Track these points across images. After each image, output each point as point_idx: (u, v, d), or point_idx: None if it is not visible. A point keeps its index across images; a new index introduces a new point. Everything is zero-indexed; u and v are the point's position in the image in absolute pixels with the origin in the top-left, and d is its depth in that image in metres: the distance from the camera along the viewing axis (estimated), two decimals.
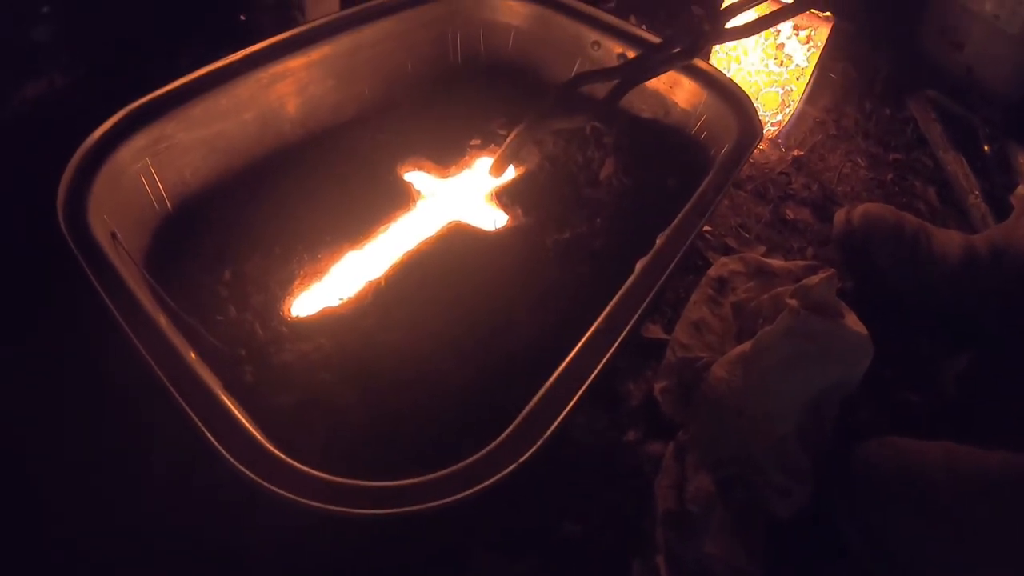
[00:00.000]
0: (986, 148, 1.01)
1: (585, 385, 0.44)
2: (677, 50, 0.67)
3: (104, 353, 0.52)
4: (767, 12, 0.73)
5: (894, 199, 0.95)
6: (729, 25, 0.69)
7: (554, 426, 0.43)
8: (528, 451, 0.41)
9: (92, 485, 0.54)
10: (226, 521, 0.51)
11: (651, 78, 0.69)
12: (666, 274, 0.53)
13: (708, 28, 0.67)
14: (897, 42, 1.21)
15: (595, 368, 0.45)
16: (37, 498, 0.54)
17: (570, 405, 0.43)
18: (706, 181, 0.63)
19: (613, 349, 0.47)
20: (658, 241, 0.57)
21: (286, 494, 0.38)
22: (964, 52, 1.15)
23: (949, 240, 0.80)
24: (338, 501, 0.39)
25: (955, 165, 0.99)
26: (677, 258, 0.55)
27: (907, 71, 1.15)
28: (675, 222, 0.59)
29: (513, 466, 0.40)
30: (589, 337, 0.48)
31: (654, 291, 0.52)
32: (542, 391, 0.45)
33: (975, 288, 0.78)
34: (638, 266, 0.55)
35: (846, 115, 1.05)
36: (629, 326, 0.49)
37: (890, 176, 0.98)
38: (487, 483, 0.40)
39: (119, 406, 0.56)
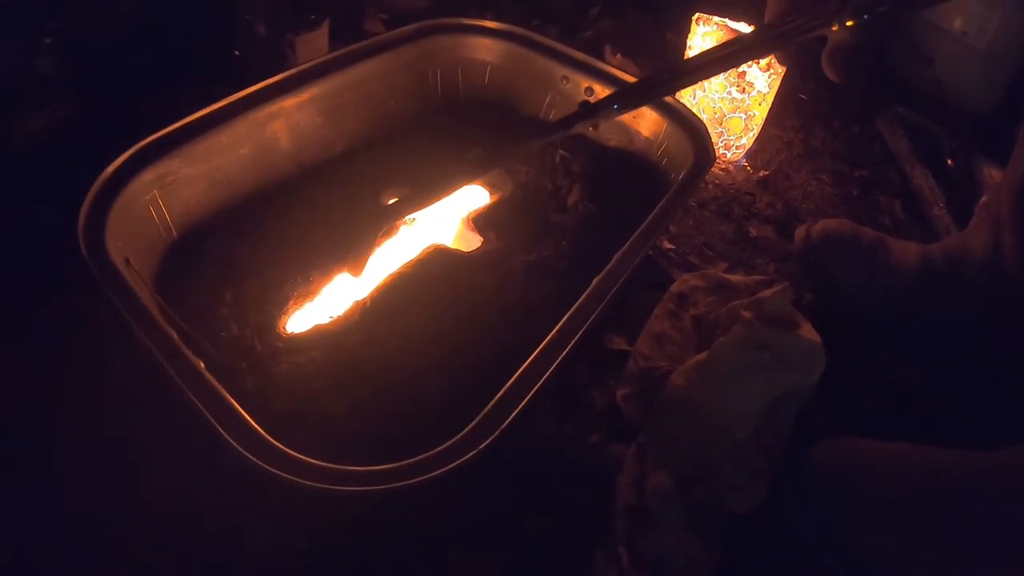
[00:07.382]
0: (949, 161, 1.12)
1: (537, 386, 0.56)
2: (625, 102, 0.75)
3: (109, 355, 0.64)
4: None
5: (858, 213, 1.04)
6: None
7: (507, 421, 0.54)
8: (484, 443, 0.53)
9: (97, 472, 0.64)
10: (227, 507, 0.62)
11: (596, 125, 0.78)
12: (614, 289, 0.65)
13: (667, 78, 0.77)
14: (870, 60, 1.32)
15: (547, 372, 0.57)
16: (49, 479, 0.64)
17: (522, 404, 0.55)
18: (660, 205, 0.75)
19: (563, 355, 0.59)
20: (612, 260, 0.69)
21: (282, 474, 0.50)
22: (934, 67, 1.26)
23: (906, 251, 0.87)
24: (324, 480, 0.51)
25: (921, 178, 1.09)
26: (626, 275, 0.67)
27: (879, 88, 1.26)
28: (628, 242, 0.70)
29: (468, 456, 0.52)
30: (544, 346, 0.60)
31: (603, 304, 0.64)
32: (500, 393, 0.56)
33: (932, 297, 0.83)
34: (593, 283, 0.67)
35: (814, 135, 1.16)
36: (578, 335, 0.60)
37: (855, 192, 1.08)
38: (443, 470, 0.51)
39: (120, 400, 0.67)
